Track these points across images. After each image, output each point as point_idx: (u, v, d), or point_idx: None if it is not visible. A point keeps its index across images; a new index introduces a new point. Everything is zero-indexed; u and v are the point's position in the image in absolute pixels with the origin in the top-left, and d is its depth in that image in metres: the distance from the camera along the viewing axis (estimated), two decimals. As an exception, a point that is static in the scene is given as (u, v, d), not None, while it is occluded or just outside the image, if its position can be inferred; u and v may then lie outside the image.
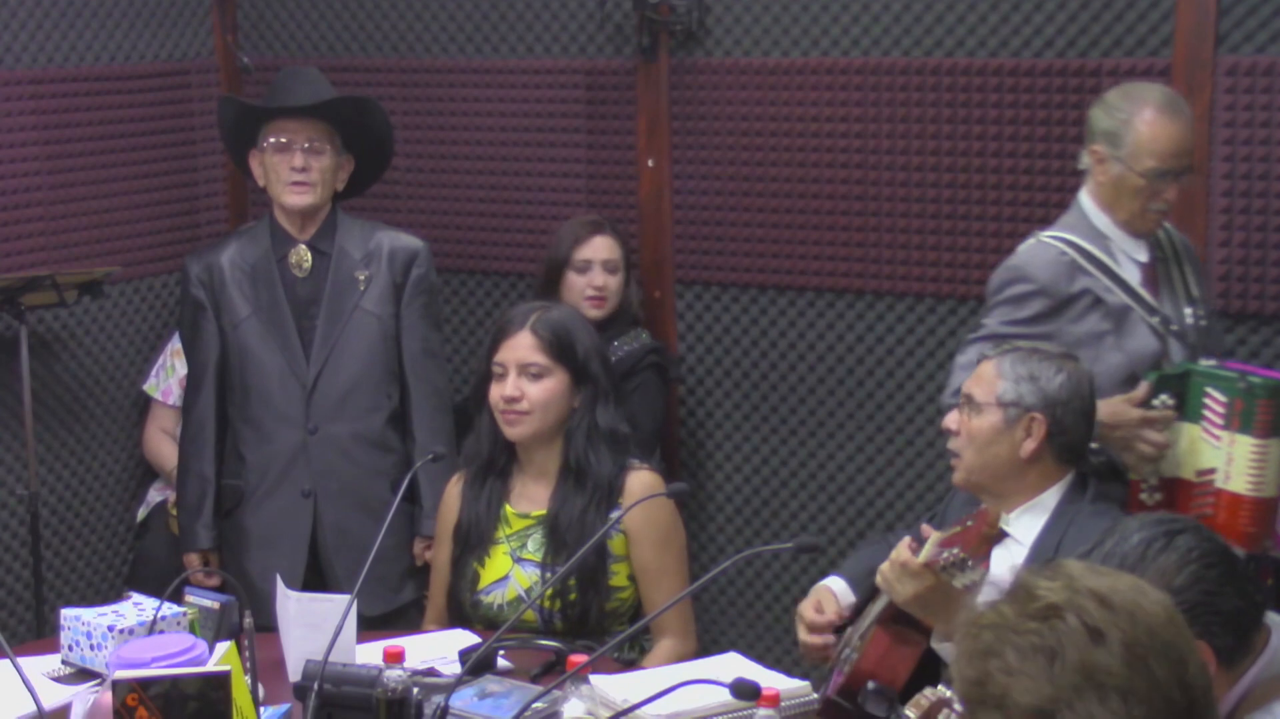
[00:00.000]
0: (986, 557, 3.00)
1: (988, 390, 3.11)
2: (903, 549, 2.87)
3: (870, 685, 2.60)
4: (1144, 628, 1.67)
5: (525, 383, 3.27)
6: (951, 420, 3.16)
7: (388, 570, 3.79)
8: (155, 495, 4.71)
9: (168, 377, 4.71)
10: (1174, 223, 3.81)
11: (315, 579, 3.82)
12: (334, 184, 3.86)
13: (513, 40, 4.62)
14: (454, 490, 3.42)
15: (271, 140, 3.79)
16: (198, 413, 3.88)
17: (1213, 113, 3.74)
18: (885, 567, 2.93)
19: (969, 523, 2.89)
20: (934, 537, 2.89)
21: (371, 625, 3.67)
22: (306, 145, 3.78)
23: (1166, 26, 3.79)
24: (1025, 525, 3.09)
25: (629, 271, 4.26)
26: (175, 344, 4.74)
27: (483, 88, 4.66)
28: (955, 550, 2.79)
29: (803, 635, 3.18)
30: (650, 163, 4.45)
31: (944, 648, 2.86)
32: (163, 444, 4.69)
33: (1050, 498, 3.10)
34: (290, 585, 3.59)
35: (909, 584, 2.85)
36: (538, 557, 3.27)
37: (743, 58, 4.31)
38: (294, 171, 3.77)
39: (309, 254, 3.84)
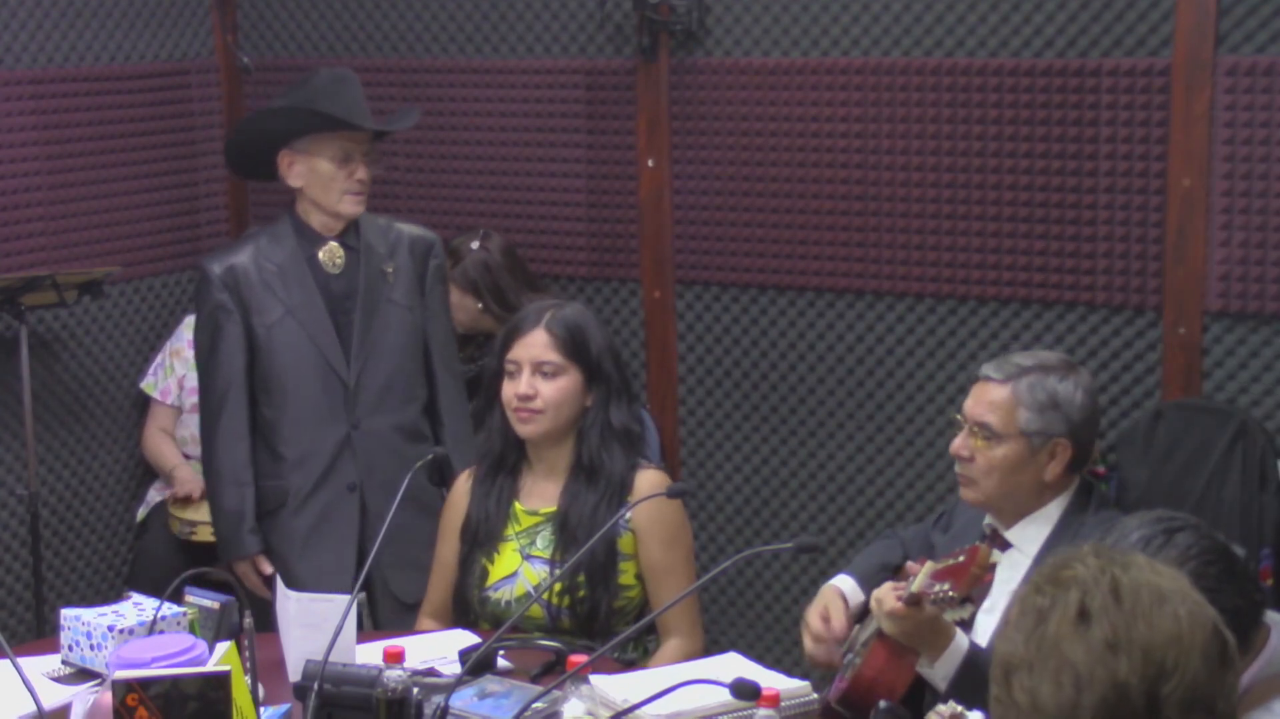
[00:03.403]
0: (977, 590, 3.00)
1: (1006, 419, 3.05)
2: (888, 596, 2.86)
3: (882, 705, 2.60)
4: (1138, 630, 1.68)
5: (539, 381, 3.26)
6: (963, 447, 3.10)
7: (425, 555, 3.80)
8: (155, 495, 4.71)
9: (166, 376, 4.71)
10: (1173, 222, 3.81)
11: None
12: None
13: (513, 40, 4.62)
14: (463, 487, 3.42)
15: (332, 151, 3.75)
16: (229, 420, 3.79)
17: (1213, 113, 3.74)
18: (874, 601, 2.92)
19: (961, 558, 2.88)
20: (928, 567, 2.87)
21: (411, 610, 3.67)
22: (365, 157, 3.79)
23: (1166, 26, 3.79)
24: (1030, 537, 3.08)
25: (482, 294, 4.31)
26: (174, 343, 4.75)
27: (483, 88, 4.66)
28: (946, 587, 2.78)
29: (808, 645, 3.17)
30: (650, 163, 4.45)
31: (930, 673, 2.86)
32: (162, 444, 4.69)
33: (1054, 509, 3.08)
34: (341, 580, 3.63)
35: (892, 623, 2.85)
36: (546, 553, 3.27)
37: (743, 58, 4.31)
38: (360, 183, 3.78)
39: (341, 250, 3.82)
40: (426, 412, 3.93)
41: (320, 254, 3.81)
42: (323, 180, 3.77)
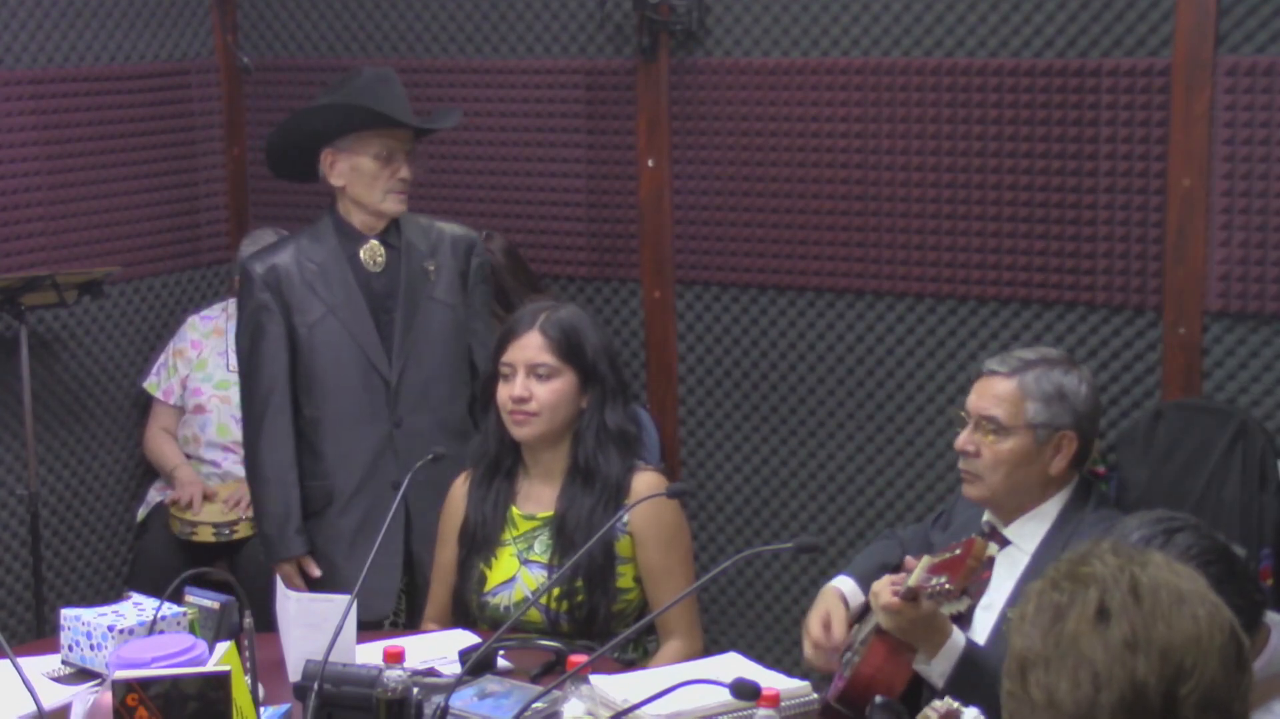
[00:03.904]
0: (976, 583, 3.00)
1: (1013, 412, 3.05)
2: (885, 590, 2.86)
3: (878, 700, 2.60)
4: (1157, 630, 1.67)
5: (534, 383, 3.25)
6: (968, 442, 3.09)
7: None
8: (155, 495, 4.71)
9: (169, 376, 4.71)
10: (1173, 222, 3.81)
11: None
12: None
13: (513, 40, 4.62)
14: (459, 491, 3.41)
15: (374, 150, 3.75)
16: (272, 423, 3.78)
17: (1213, 113, 3.74)
18: (871, 596, 2.93)
19: (957, 551, 2.88)
20: (924, 561, 2.87)
21: None
22: (407, 156, 3.79)
23: (1166, 26, 3.79)
24: (1028, 533, 3.07)
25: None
26: (177, 343, 4.76)
27: (483, 88, 4.66)
28: (943, 580, 2.78)
29: (809, 651, 3.17)
30: (650, 163, 4.45)
31: (927, 670, 2.86)
32: (164, 444, 4.69)
33: (1052, 506, 3.08)
34: (388, 579, 3.66)
35: (889, 618, 2.85)
36: (544, 558, 3.26)
37: (743, 58, 4.31)
38: (402, 182, 3.78)
39: (382, 249, 3.82)
40: (473, 409, 3.86)
41: (361, 253, 3.81)
42: (365, 179, 3.77)
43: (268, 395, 3.78)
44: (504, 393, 3.28)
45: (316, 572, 3.79)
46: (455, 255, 3.87)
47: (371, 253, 3.81)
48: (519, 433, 3.28)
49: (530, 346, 3.27)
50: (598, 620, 3.20)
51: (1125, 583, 1.70)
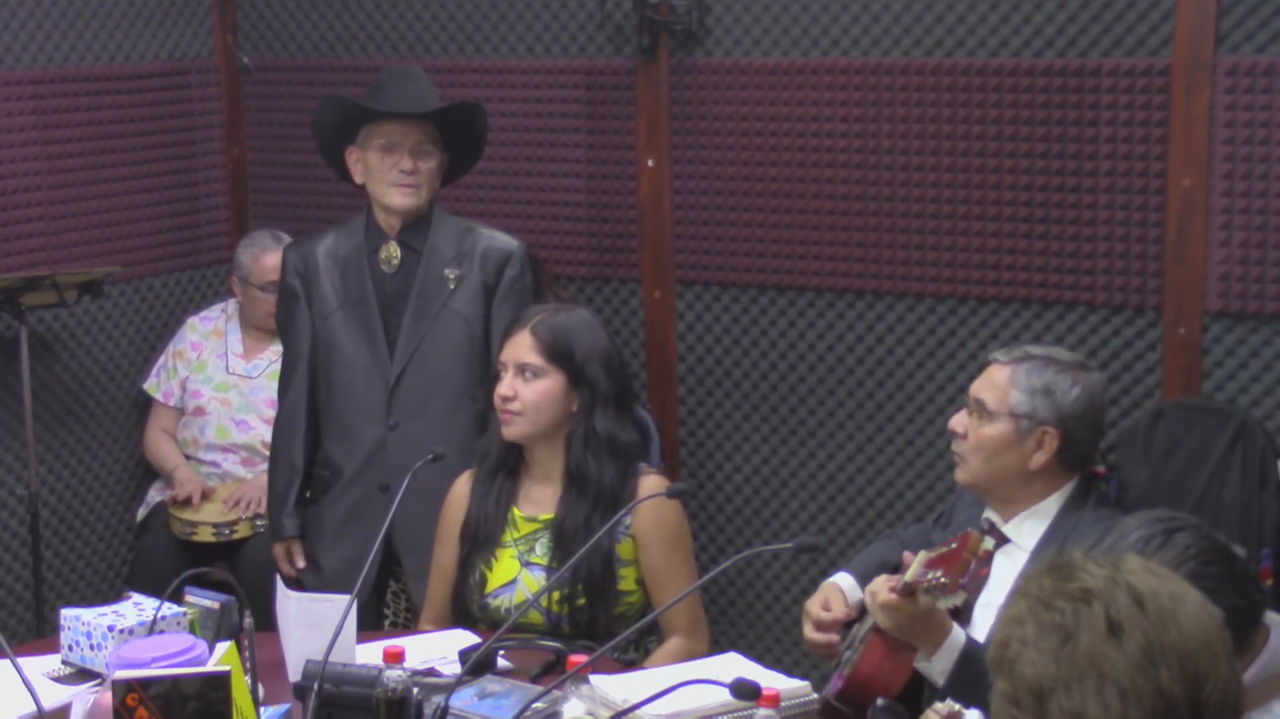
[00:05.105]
0: (971, 578, 3.00)
1: (999, 399, 3.09)
2: (882, 588, 2.86)
3: (880, 703, 2.60)
4: (1170, 637, 1.66)
5: (519, 383, 3.26)
6: (958, 423, 3.14)
7: None
8: (155, 495, 4.71)
9: (169, 377, 4.71)
10: (1173, 222, 3.81)
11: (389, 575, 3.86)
12: (435, 183, 3.83)
13: (513, 40, 4.62)
14: (461, 490, 3.41)
15: (379, 141, 3.75)
16: (289, 402, 3.89)
17: (1213, 113, 3.74)
18: (868, 594, 2.93)
19: (953, 545, 2.89)
20: (921, 556, 2.88)
21: None
22: (414, 148, 3.76)
23: (1166, 26, 3.79)
24: (1027, 531, 3.09)
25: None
26: (177, 344, 4.75)
27: (483, 88, 4.66)
28: (939, 574, 2.78)
29: (808, 632, 3.18)
30: (650, 163, 4.45)
31: (928, 667, 2.86)
32: (163, 444, 4.69)
33: (1052, 504, 3.10)
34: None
35: (887, 616, 2.85)
36: (545, 560, 3.26)
37: (743, 58, 4.31)
38: (402, 174, 3.75)
39: (398, 250, 3.81)
40: (481, 424, 3.72)
41: (381, 251, 3.83)
42: (373, 173, 3.79)
43: (289, 376, 3.90)
44: (495, 391, 3.30)
45: (301, 563, 3.85)
46: (484, 267, 3.82)
47: (388, 253, 3.82)
48: (506, 432, 3.29)
49: (520, 346, 3.28)
50: (599, 625, 3.21)
51: (1124, 592, 1.69)
